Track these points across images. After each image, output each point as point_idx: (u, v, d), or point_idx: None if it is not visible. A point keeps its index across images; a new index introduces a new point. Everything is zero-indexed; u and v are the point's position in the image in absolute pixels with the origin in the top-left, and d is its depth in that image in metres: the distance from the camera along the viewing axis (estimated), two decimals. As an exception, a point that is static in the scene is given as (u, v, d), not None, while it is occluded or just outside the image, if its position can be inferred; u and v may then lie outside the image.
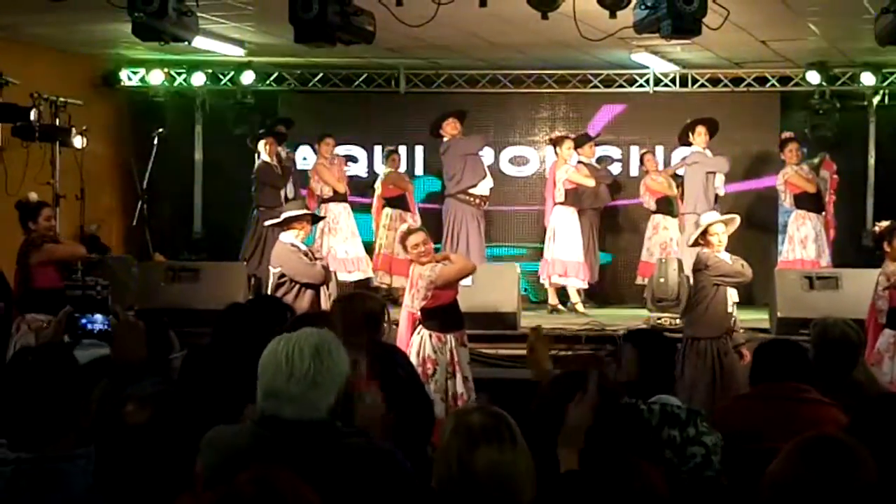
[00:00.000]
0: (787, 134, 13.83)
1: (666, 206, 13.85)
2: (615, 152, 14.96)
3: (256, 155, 13.58)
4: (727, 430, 4.72)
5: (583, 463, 3.40)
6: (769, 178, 14.18)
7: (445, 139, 13.45)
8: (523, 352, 10.89)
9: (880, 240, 9.23)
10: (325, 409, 3.38)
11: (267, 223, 10.53)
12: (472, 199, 13.37)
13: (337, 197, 13.50)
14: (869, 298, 9.37)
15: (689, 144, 13.37)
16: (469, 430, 3.09)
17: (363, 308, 5.75)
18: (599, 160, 14.47)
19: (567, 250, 13.18)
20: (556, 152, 13.41)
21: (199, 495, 3.05)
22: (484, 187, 13.48)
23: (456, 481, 3.05)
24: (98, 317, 4.16)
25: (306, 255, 9.44)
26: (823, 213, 13.40)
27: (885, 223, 9.35)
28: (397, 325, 9.85)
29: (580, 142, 13.74)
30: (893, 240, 9.03)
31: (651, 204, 13.97)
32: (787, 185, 13.31)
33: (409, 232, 8.98)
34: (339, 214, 13.49)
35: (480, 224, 13.49)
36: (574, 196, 13.27)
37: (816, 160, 13.72)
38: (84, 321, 4.16)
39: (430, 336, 8.55)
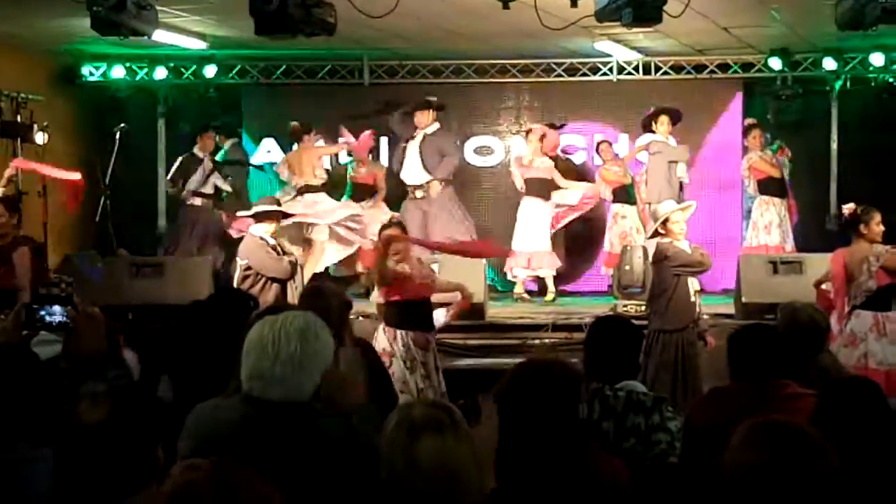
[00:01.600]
0: (749, 120, 13.91)
1: (623, 195, 13.79)
2: (580, 140, 14.95)
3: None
4: (703, 426, 4.63)
5: (499, 477, 3.46)
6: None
7: (418, 129, 13.37)
8: (490, 341, 11.01)
9: (854, 222, 8.78)
10: (309, 392, 3.38)
11: (239, 214, 10.44)
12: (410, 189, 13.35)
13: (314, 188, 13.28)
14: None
15: (653, 132, 13.36)
16: (411, 422, 3.10)
17: (333, 301, 5.70)
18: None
19: (531, 241, 13.17)
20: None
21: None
22: (407, 176, 13.37)
23: (401, 472, 3.06)
24: (56, 308, 4.12)
25: (274, 249, 9.43)
26: (786, 197, 13.47)
27: (851, 205, 8.93)
28: (364, 317, 9.83)
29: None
30: (871, 221, 8.66)
31: (607, 194, 13.93)
32: (751, 170, 13.38)
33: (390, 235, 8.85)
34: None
35: (419, 215, 13.14)
36: (538, 185, 13.27)
37: (774, 147, 13.79)
38: (42, 312, 4.12)
39: (385, 330, 8.45)
